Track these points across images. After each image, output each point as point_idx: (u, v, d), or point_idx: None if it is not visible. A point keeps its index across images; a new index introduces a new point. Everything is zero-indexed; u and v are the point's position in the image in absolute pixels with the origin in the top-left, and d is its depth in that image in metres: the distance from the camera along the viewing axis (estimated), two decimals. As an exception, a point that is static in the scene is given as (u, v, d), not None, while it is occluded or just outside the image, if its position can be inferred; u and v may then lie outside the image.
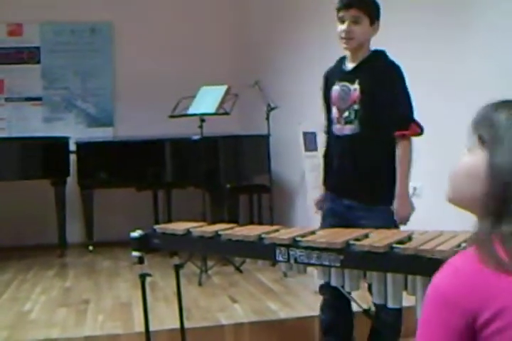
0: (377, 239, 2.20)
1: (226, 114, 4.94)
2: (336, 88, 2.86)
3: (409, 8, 4.21)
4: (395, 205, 2.77)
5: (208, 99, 4.96)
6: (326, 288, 2.91)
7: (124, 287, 4.68)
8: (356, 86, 2.77)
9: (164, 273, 4.65)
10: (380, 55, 2.85)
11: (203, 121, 4.90)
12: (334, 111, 2.85)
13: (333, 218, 2.84)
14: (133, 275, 4.70)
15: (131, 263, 5.11)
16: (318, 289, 2.99)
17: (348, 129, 2.79)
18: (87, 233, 6.11)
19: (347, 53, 2.88)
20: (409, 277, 2.05)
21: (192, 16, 6.90)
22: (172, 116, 5.10)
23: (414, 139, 4.08)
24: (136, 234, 2.79)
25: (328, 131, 2.95)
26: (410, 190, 4.21)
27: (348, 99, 2.79)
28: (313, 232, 2.42)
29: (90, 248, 6.08)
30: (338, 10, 2.80)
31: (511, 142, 1.09)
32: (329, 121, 2.91)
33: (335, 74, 2.92)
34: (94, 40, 6.86)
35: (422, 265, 1.99)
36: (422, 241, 2.11)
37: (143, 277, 2.89)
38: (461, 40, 3.77)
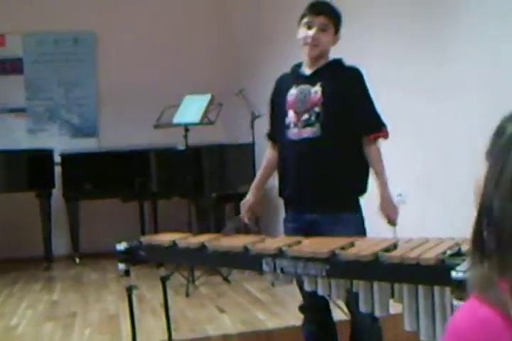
0: (363, 247, 2.20)
1: (211, 123, 4.94)
2: (292, 92, 2.79)
3: (389, 15, 4.23)
4: (384, 209, 2.74)
5: (192, 109, 4.95)
6: (305, 308, 2.89)
7: (111, 299, 4.65)
8: (317, 88, 2.73)
9: (151, 285, 4.63)
10: (338, 62, 2.85)
11: (187, 130, 4.89)
12: (291, 115, 2.77)
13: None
14: (120, 287, 4.66)
15: (118, 275, 5.08)
16: (298, 309, 2.95)
17: (307, 132, 2.71)
18: (73, 245, 6.08)
19: (303, 60, 2.85)
20: (396, 285, 2.05)
21: (175, 25, 6.89)
22: (157, 126, 5.09)
23: (403, 144, 4.10)
24: (121, 246, 2.77)
25: (280, 138, 2.86)
26: (395, 196, 4.23)
27: (307, 102, 2.73)
28: (299, 242, 2.41)
29: (77, 260, 6.05)
30: (305, 15, 2.77)
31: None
32: (283, 127, 2.81)
33: (290, 79, 2.87)
34: (77, 50, 6.84)
35: (408, 273, 2.00)
36: (408, 248, 2.11)
37: (129, 290, 2.87)
38: (442, 45, 3.79)
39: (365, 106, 2.77)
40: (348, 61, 2.89)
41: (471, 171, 3.47)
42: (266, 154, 3.03)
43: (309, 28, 2.75)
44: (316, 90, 2.73)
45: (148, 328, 3.74)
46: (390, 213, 2.76)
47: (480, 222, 0.94)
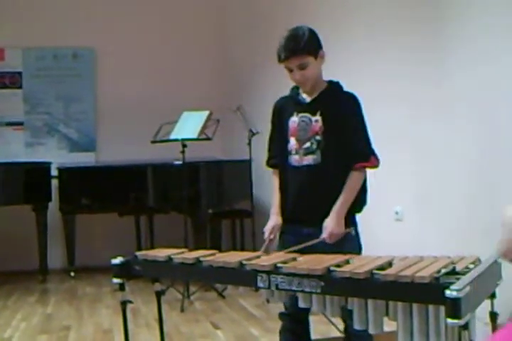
0: (358, 265, 2.21)
1: (208, 139, 4.96)
2: (293, 119, 2.86)
3: (387, 32, 4.27)
4: (329, 221, 2.71)
5: (189, 125, 4.98)
6: (285, 315, 2.91)
7: (105, 313, 4.64)
8: (318, 117, 2.80)
9: (146, 299, 4.63)
10: (336, 86, 2.90)
11: (184, 146, 4.91)
12: (292, 142, 2.85)
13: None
14: (115, 301, 4.67)
15: (113, 289, 5.08)
16: (278, 315, 2.97)
17: (308, 159, 2.80)
18: (69, 258, 6.07)
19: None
20: (391, 303, 2.06)
21: (174, 42, 6.95)
22: (154, 142, 5.12)
23: (400, 163, 4.12)
24: (117, 260, 2.77)
25: (282, 163, 2.92)
26: (392, 214, 4.26)
27: (309, 130, 2.81)
28: (294, 258, 2.43)
29: (72, 274, 6.04)
30: (279, 61, 2.79)
31: None
32: (285, 152, 2.89)
33: (290, 105, 2.92)
34: (76, 65, 6.88)
35: (403, 291, 2.01)
36: (403, 266, 2.12)
37: (124, 304, 2.86)
38: (441, 61, 3.82)
39: (357, 135, 2.82)
40: (337, 80, 2.91)
41: (466, 190, 3.50)
42: (274, 181, 3.01)
43: (290, 70, 2.79)
44: (317, 119, 2.79)
45: (142, 343, 3.74)
46: (332, 228, 2.71)
47: None
